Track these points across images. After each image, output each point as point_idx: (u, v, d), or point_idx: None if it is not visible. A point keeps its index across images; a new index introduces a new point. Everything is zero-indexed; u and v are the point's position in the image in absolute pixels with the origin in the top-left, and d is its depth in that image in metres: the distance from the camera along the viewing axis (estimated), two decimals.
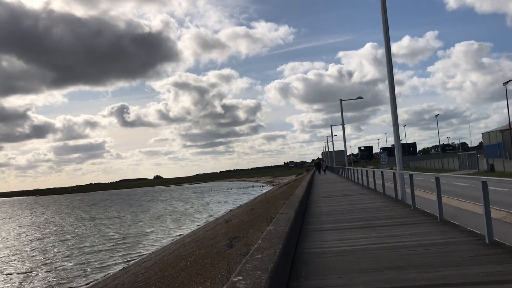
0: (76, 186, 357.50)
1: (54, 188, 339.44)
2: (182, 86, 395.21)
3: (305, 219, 10.98)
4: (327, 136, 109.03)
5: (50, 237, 34.86)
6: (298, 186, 24.42)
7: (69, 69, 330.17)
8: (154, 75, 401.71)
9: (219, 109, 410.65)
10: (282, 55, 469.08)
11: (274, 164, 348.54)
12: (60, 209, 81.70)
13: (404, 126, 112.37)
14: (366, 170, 23.14)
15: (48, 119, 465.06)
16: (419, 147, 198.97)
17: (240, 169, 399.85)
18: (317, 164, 61.83)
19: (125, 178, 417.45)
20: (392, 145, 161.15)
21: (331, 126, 69.80)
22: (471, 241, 6.66)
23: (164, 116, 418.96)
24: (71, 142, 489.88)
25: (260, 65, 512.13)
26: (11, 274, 20.87)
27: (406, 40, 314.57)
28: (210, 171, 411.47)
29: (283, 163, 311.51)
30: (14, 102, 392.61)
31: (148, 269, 14.79)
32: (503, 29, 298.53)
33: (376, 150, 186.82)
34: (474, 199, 18.69)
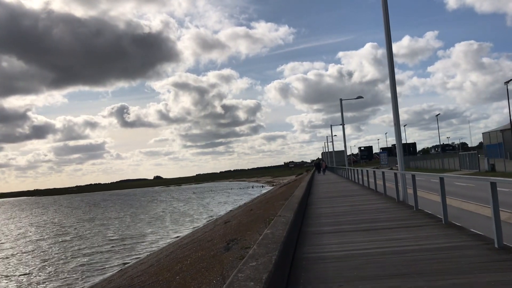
0: (76, 186, 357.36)
1: (54, 189, 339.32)
2: (182, 86, 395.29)
3: (305, 221, 10.64)
4: (327, 136, 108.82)
5: (49, 238, 34.53)
6: (297, 186, 24.08)
7: (69, 70, 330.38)
8: (154, 75, 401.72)
9: (219, 110, 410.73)
10: (282, 55, 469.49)
11: (274, 164, 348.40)
12: (60, 209, 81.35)
13: (404, 126, 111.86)
14: (367, 170, 22.79)
15: (48, 120, 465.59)
16: (419, 147, 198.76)
17: (240, 169, 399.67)
18: (316, 165, 61.52)
19: (125, 179, 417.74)
20: (392, 145, 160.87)
21: (331, 126, 69.51)
22: (479, 246, 6.30)
23: (164, 117, 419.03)
24: (71, 143, 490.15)
25: (260, 65, 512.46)
26: (7, 276, 20.55)
27: (406, 40, 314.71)
28: (210, 172, 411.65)
29: (283, 163, 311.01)
30: (14, 102, 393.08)
31: (144, 271, 14.45)
32: (503, 29, 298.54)
33: (376, 150, 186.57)
34: (476, 200, 18.35)
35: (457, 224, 9.21)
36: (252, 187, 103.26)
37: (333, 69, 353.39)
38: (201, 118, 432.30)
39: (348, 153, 71.51)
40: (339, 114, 46.16)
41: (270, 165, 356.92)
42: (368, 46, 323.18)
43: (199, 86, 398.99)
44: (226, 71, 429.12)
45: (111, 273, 19.52)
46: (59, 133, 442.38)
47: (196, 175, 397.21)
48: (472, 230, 7.95)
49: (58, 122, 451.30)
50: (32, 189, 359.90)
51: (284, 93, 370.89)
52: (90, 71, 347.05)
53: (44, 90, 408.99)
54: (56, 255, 25.43)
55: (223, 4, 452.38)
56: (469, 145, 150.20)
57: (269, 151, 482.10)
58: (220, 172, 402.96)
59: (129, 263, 21.19)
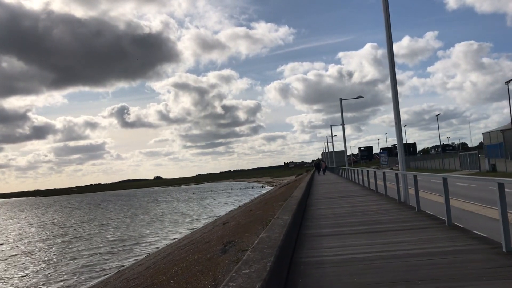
0: (77, 187, 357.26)
1: (55, 189, 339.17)
2: (182, 86, 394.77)
3: (304, 222, 10.35)
4: (327, 137, 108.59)
5: (47, 239, 34.31)
6: (297, 187, 23.79)
7: (69, 70, 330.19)
8: (154, 75, 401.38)
9: (219, 110, 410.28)
10: (282, 55, 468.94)
11: (274, 165, 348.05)
12: (60, 210, 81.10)
13: (405, 126, 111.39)
14: (367, 171, 22.49)
15: (48, 120, 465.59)
16: (418, 148, 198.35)
17: (240, 170, 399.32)
18: (316, 165, 61.24)
19: (125, 179, 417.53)
20: (392, 145, 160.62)
21: (331, 126, 69.15)
22: (486, 250, 5.99)
23: (164, 117, 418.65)
24: (71, 143, 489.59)
25: (260, 66, 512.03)
26: (3, 278, 20.30)
27: (406, 40, 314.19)
28: (210, 172, 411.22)
29: (283, 164, 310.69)
30: (14, 103, 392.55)
31: (140, 274, 14.18)
32: (503, 29, 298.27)
33: (376, 150, 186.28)
34: (477, 200, 18.10)
35: (460, 225, 8.93)
36: (252, 188, 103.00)
37: (333, 69, 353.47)
38: (201, 118, 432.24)
39: (348, 153, 71.21)
40: (339, 114, 45.92)
41: (270, 166, 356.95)
42: (368, 46, 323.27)
43: (199, 87, 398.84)
44: (226, 72, 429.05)
45: (108, 275, 19.32)
46: (59, 134, 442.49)
47: (196, 175, 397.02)
48: (476, 232, 7.67)
49: (58, 122, 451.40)
50: (32, 190, 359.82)
51: (284, 94, 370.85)
52: (90, 71, 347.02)
53: (44, 91, 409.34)
54: (54, 257, 25.23)
55: (223, 4, 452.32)
56: (469, 145, 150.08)
57: (269, 152, 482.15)
58: (220, 172, 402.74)
59: (127, 264, 20.98)
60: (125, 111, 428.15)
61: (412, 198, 12.11)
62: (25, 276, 20.49)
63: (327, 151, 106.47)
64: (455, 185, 25.46)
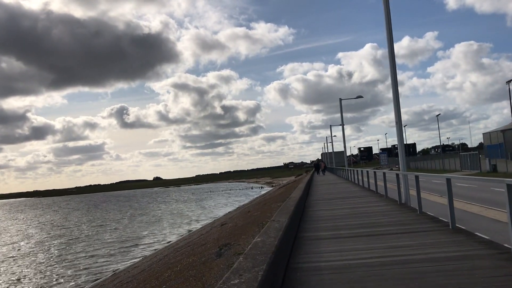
0: (76, 187, 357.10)
1: (54, 190, 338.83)
2: (181, 87, 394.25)
3: (301, 225, 10.01)
4: (326, 137, 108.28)
5: (44, 241, 33.99)
6: (296, 187, 23.46)
7: (68, 70, 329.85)
8: (154, 76, 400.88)
9: (218, 110, 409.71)
10: (281, 56, 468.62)
11: (274, 165, 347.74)
12: (59, 211, 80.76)
13: (404, 126, 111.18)
14: (367, 171, 22.16)
15: (48, 121, 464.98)
16: (418, 148, 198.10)
17: (240, 170, 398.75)
18: (316, 165, 60.93)
19: (125, 180, 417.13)
20: (392, 145, 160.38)
21: (330, 126, 68.76)
22: (494, 255, 5.64)
23: (164, 117, 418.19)
24: (71, 144, 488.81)
25: (259, 66, 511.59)
26: None
27: (406, 40, 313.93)
28: (210, 172, 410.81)
29: (282, 164, 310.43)
30: (13, 103, 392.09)
31: (134, 277, 13.85)
32: (503, 30, 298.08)
33: (375, 151, 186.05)
34: (479, 201, 17.77)
35: (464, 228, 8.59)
36: (252, 188, 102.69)
37: (332, 69, 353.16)
38: (201, 119, 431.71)
39: (348, 153, 70.88)
40: (339, 114, 45.56)
41: (269, 166, 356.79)
42: (368, 46, 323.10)
43: (198, 87, 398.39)
44: (226, 72, 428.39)
45: (104, 277, 19.04)
46: (59, 134, 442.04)
47: (196, 176, 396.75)
48: (481, 235, 7.34)
49: (57, 123, 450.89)
50: (32, 190, 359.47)
51: (284, 94, 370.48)
52: (89, 72, 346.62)
53: (43, 91, 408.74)
54: (51, 259, 24.93)
55: (222, 4, 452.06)
56: (469, 146, 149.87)
57: (268, 152, 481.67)
58: (220, 173, 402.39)
59: (123, 266, 20.69)
60: (125, 111, 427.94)
61: (413, 199, 11.79)
62: (19, 279, 20.16)
63: (326, 151, 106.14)
64: (455, 186, 25.15)
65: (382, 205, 13.18)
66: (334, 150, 77.87)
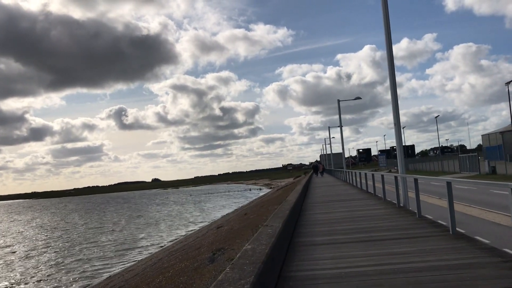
0: (74, 189, 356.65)
1: (52, 191, 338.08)
2: (180, 88, 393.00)
3: (297, 229, 9.71)
4: (325, 139, 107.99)
5: (40, 243, 33.68)
6: (294, 189, 23.17)
7: (67, 72, 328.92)
8: (153, 77, 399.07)
9: (217, 112, 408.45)
10: (280, 57, 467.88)
11: (273, 167, 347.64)
12: (56, 213, 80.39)
13: (403, 128, 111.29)
14: (365, 173, 21.87)
15: (46, 122, 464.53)
16: (417, 150, 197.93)
17: (239, 172, 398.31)
18: (314, 167, 60.69)
19: (123, 181, 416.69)
20: (390, 147, 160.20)
21: (329, 128, 68.33)
22: (497, 264, 5.34)
23: (162, 119, 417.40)
24: (69, 145, 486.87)
25: (258, 68, 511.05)
26: None
27: (404, 42, 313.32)
28: (209, 174, 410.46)
29: (281, 166, 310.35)
30: (11, 105, 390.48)
31: (127, 282, 13.56)
32: (501, 31, 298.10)
33: (374, 152, 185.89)
34: (478, 204, 17.49)
35: (465, 233, 8.31)
36: (250, 190, 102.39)
37: (331, 71, 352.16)
38: (200, 120, 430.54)
39: (347, 155, 70.61)
40: (338, 116, 45.26)
41: (268, 168, 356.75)
42: (367, 48, 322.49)
43: (197, 88, 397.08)
44: (225, 73, 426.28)
45: (98, 281, 18.79)
46: (57, 136, 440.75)
47: (195, 177, 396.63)
48: (481, 239, 7.05)
49: (56, 124, 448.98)
50: (30, 192, 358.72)
51: (283, 96, 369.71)
52: (88, 73, 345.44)
53: (42, 92, 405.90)
54: (45, 262, 24.65)
55: (221, 6, 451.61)
56: (468, 148, 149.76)
57: (267, 154, 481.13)
58: (219, 174, 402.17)
59: (118, 270, 20.42)
60: (123, 112, 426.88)
61: (412, 202, 11.50)
62: (14, 283, 19.89)
63: (325, 153, 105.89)
64: (454, 188, 24.86)
65: (380, 208, 12.89)
66: (333, 152, 77.57)
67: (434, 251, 6.31)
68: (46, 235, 39.34)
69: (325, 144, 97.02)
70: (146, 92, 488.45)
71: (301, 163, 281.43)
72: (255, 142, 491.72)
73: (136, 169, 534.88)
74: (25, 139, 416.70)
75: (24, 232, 44.70)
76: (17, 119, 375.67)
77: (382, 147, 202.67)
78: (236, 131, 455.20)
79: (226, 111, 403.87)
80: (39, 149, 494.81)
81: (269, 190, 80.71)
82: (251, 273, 3.96)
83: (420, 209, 10.24)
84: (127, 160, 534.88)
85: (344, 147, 48.71)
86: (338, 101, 44.28)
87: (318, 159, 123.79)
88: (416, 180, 10.17)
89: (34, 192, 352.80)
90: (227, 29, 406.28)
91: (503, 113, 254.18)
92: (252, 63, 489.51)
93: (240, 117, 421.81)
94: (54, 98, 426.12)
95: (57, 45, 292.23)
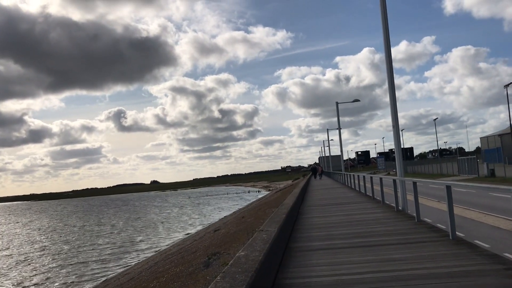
0: (73, 191, 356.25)
1: (50, 193, 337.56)
2: (179, 90, 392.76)
3: (293, 234, 9.52)
4: (323, 141, 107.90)
5: (35, 246, 33.47)
6: (291, 192, 22.98)
7: (66, 74, 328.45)
8: (152, 79, 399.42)
9: (216, 114, 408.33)
10: (279, 59, 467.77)
11: (271, 169, 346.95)
12: (53, 215, 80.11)
13: (402, 130, 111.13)
14: (364, 176, 21.70)
15: (45, 124, 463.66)
16: (415, 152, 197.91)
17: (237, 174, 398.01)
18: (313, 169, 60.49)
19: (122, 183, 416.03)
20: (389, 149, 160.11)
21: (327, 130, 68.21)
22: (500, 272, 5.14)
23: (161, 121, 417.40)
24: (68, 147, 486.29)
25: (257, 70, 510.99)
26: None
27: (403, 45, 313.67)
28: (207, 176, 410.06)
29: (280, 168, 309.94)
30: (10, 106, 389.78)
31: (122, 286, 13.36)
32: (500, 34, 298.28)
33: (373, 155, 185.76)
34: (477, 207, 17.33)
35: (465, 238, 8.14)
36: (248, 192, 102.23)
37: (330, 73, 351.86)
38: (199, 122, 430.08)
39: (345, 157, 70.47)
40: (337, 118, 45.09)
41: (267, 170, 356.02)
42: (366, 51, 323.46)
43: (196, 91, 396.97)
44: (224, 76, 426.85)
45: (95, 284, 18.62)
46: (56, 137, 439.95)
47: (193, 179, 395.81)
48: (481, 244, 6.88)
49: (55, 126, 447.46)
50: (29, 194, 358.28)
51: (282, 98, 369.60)
52: (87, 75, 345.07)
53: (41, 94, 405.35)
54: (42, 266, 24.44)
55: (220, 8, 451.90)
56: (466, 150, 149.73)
57: (266, 156, 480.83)
58: (217, 176, 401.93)
59: (114, 274, 20.24)
60: (122, 114, 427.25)
61: (411, 205, 11.32)
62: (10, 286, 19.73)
63: (324, 155, 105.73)
64: (453, 191, 24.72)
65: (378, 212, 12.72)
66: (332, 154, 77.38)
67: (434, 258, 6.13)
68: (44, 238, 39.13)
69: (324, 147, 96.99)
70: (145, 94, 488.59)
71: (299, 165, 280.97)
72: (254, 144, 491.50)
73: (135, 171, 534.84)
74: (24, 141, 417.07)
75: (22, 235, 44.47)
76: (16, 120, 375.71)
77: (380, 149, 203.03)
78: (235, 133, 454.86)
79: (225, 113, 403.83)
80: (38, 151, 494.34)
81: (268, 192, 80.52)
82: (243, 282, 3.78)
83: (419, 213, 10.06)
84: (126, 162, 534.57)
85: (343, 149, 48.58)
86: (337, 103, 44.15)
87: (317, 162, 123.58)
88: (415, 184, 9.99)
89: (33, 194, 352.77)
90: (226, 31, 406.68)
91: (501, 116, 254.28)
92: (251, 65, 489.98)
93: (239, 119, 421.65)
94: (53, 100, 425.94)
95: (56, 47, 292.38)
